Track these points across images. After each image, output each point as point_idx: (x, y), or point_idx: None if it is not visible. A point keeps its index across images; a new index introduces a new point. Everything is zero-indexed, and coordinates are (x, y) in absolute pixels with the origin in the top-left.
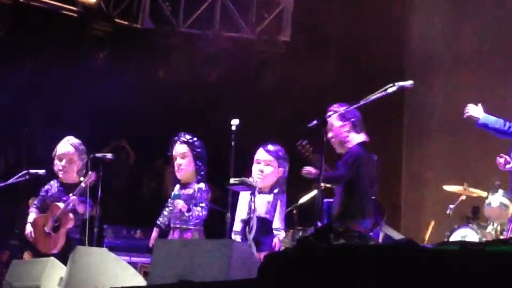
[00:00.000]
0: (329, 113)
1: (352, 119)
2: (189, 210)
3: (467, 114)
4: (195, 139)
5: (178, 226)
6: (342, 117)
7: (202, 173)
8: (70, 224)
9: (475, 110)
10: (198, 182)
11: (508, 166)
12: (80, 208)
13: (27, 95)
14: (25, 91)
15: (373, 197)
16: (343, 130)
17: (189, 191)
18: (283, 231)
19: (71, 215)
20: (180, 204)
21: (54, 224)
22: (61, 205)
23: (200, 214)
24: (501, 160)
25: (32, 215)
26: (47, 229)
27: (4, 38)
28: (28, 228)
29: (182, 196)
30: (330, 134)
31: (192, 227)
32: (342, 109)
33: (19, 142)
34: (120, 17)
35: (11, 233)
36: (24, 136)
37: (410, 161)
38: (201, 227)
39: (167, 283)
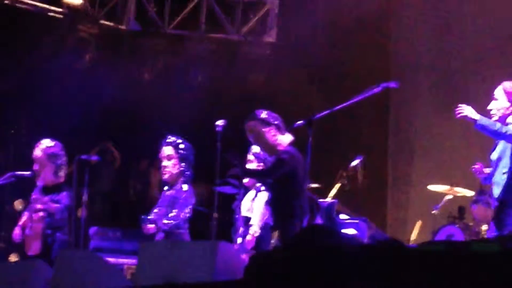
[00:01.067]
0: (251, 121)
1: (276, 122)
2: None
3: (462, 115)
4: (180, 141)
5: (162, 228)
6: (265, 123)
7: (187, 174)
8: (39, 225)
9: (470, 111)
10: (183, 183)
11: (482, 174)
12: (52, 208)
13: (13, 96)
14: (11, 93)
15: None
16: (270, 134)
17: (173, 192)
18: (257, 226)
19: (39, 215)
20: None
21: (30, 224)
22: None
23: (173, 219)
24: (476, 167)
25: (24, 218)
26: (26, 231)
27: None
28: (17, 230)
29: (166, 197)
30: (256, 141)
31: (175, 230)
32: (263, 114)
33: (5, 145)
34: (106, 18)
35: None
36: (10, 138)
37: (396, 161)
38: (178, 231)
39: (152, 284)
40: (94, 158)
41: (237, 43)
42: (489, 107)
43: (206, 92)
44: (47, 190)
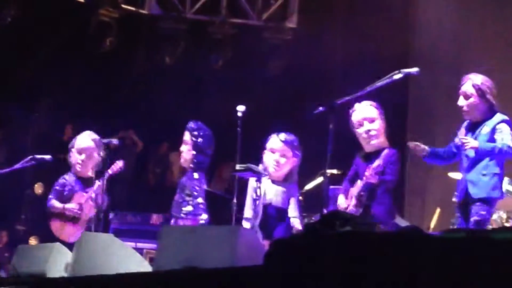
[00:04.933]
0: (367, 106)
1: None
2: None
3: (469, 147)
4: (196, 127)
5: (174, 214)
6: (382, 114)
7: (196, 161)
8: (91, 213)
9: (473, 141)
10: (194, 171)
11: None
12: (99, 199)
13: (36, 81)
14: (32, 76)
15: None
16: (382, 127)
17: (184, 179)
18: (298, 219)
19: (91, 203)
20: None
21: (78, 213)
22: (83, 195)
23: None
24: (414, 144)
25: (57, 203)
26: (70, 217)
27: (11, 24)
28: (73, 206)
29: (179, 183)
30: (365, 128)
31: (184, 216)
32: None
33: (26, 128)
34: (127, 3)
35: (17, 218)
36: (33, 121)
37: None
38: (194, 217)
39: (172, 269)
40: (115, 142)
41: (258, 29)
42: (459, 103)
43: (227, 77)
44: (84, 181)
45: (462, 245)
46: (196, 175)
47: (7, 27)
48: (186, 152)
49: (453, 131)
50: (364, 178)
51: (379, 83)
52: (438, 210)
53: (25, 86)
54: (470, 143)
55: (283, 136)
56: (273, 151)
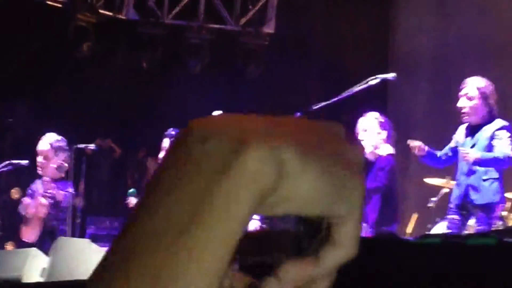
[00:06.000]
0: (370, 117)
1: (390, 131)
2: None
3: (469, 159)
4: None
5: None
6: (383, 125)
7: None
8: (43, 210)
9: (474, 152)
10: None
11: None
12: (59, 194)
13: (12, 85)
14: (10, 81)
15: None
16: (380, 138)
17: None
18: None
19: (44, 200)
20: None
21: (33, 212)
22: (43, 199)
23: None
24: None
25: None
26: (29, 211)
27: None
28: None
29: None
30: (363, 137)
31: None
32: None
33: (2, 133)
34: (104, 8)
35: None
36: (8, 126)
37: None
38: None
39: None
40: (91, 147)
41: (236, 34)
42: (461, 105)
43: (204, 82)
44: (45, 182)
45: (438, 251)
46: None
47: None
48: None
49: (433, 136)
50: None
51: (356, 89)
52: (415, 216)
53: (1, 91)
54: (471, 154)
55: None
56: None
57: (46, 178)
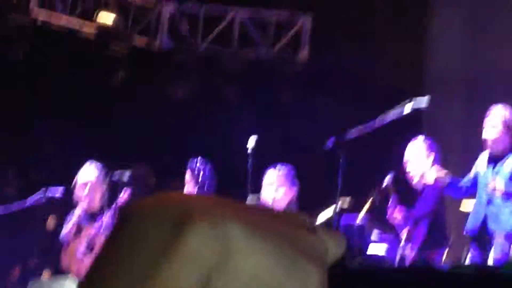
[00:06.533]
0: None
1: (437, 153)
2: None
3: (499, 194)
4: (198, 165)
5: None
6: (430, 148)
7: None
8: (81, 249)
9: (500, 185)
10: None
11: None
12: (98, 240)
13: (46, 115)
14: (44, 112)
15: None
16: (428, 162)
17: None
18: None
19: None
20: None
21: (87, 248)
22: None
23: None
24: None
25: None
26: (79, 253)
27: (22, 60)
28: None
29: None
30: (412, 165)
31: None
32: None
33: (38, 162)
34: (138, 36)
35: (30, 252)
36: (44, 156)
37: None
38: None
39: None
40: (126, 178)
41: (270, 61)
42: (485, 135)
43: (241, 109)
44: (93, 215)
45: (472, 281)
46: None
47: (20, 62)
48: (188, 189)
49: (468, 161)
50: None
51: (389, 118)
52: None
53: (34, 123)
54: (497, 187)
55: (278, 168)
56: (270, 184)
57: (88, 212)
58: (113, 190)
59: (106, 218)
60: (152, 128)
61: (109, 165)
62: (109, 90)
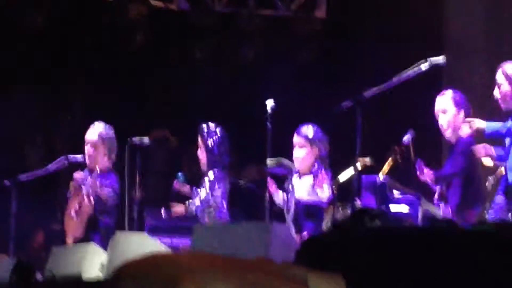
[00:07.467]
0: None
1: (468, 109)
2: None
3: (474, 128)
4: (206, 130)
5: None
6: (460, 104)
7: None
8: (88, 209)
9: (479, 122)
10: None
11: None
12: (103, 193)
13: (66, 81)
14: (65, 77)
15: None
16: (459, 117)
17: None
18: None
19: (90, 199)
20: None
21: (77, 208)
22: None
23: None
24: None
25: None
26: (72, 214)
27: (42, 26)
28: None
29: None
30: (442, 120)
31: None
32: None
33: (62, 129)
34: None
35: (54, 218)
36: (67, 122)
37: None
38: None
39: None
40: (146, 141)
41: (287, 20)
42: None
43: (257, 70)
44: (97, 173)
45: (494, 239)
46: (211, 175)
47: (39, 30)
48: (200, 154)
49: (489, 119)
50: None
51: (406, 75)
52: None
53: (57, 88)
54: (476, 123)
55: (300, 129)
56: (294, 145)
57: (94, 173)
58: (132, 153)
59: (110, 181)
60: (170, 91)
61: (130, 129)
62: (128, 54)
